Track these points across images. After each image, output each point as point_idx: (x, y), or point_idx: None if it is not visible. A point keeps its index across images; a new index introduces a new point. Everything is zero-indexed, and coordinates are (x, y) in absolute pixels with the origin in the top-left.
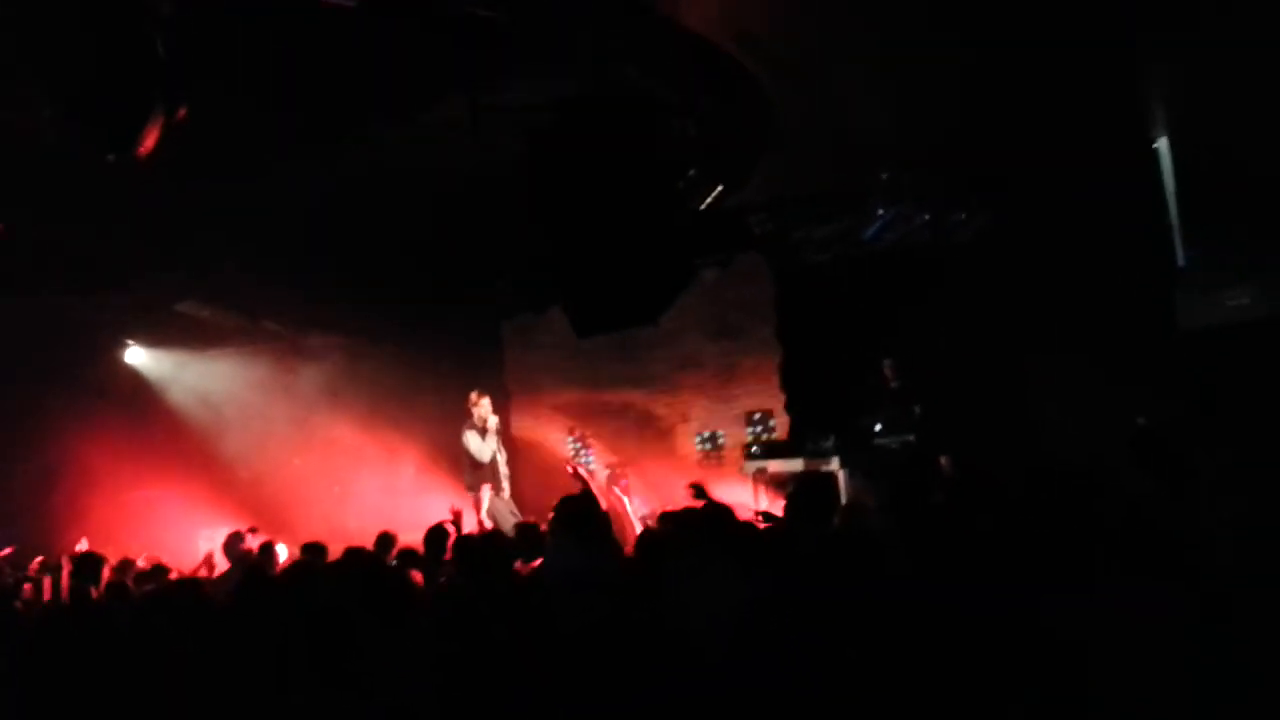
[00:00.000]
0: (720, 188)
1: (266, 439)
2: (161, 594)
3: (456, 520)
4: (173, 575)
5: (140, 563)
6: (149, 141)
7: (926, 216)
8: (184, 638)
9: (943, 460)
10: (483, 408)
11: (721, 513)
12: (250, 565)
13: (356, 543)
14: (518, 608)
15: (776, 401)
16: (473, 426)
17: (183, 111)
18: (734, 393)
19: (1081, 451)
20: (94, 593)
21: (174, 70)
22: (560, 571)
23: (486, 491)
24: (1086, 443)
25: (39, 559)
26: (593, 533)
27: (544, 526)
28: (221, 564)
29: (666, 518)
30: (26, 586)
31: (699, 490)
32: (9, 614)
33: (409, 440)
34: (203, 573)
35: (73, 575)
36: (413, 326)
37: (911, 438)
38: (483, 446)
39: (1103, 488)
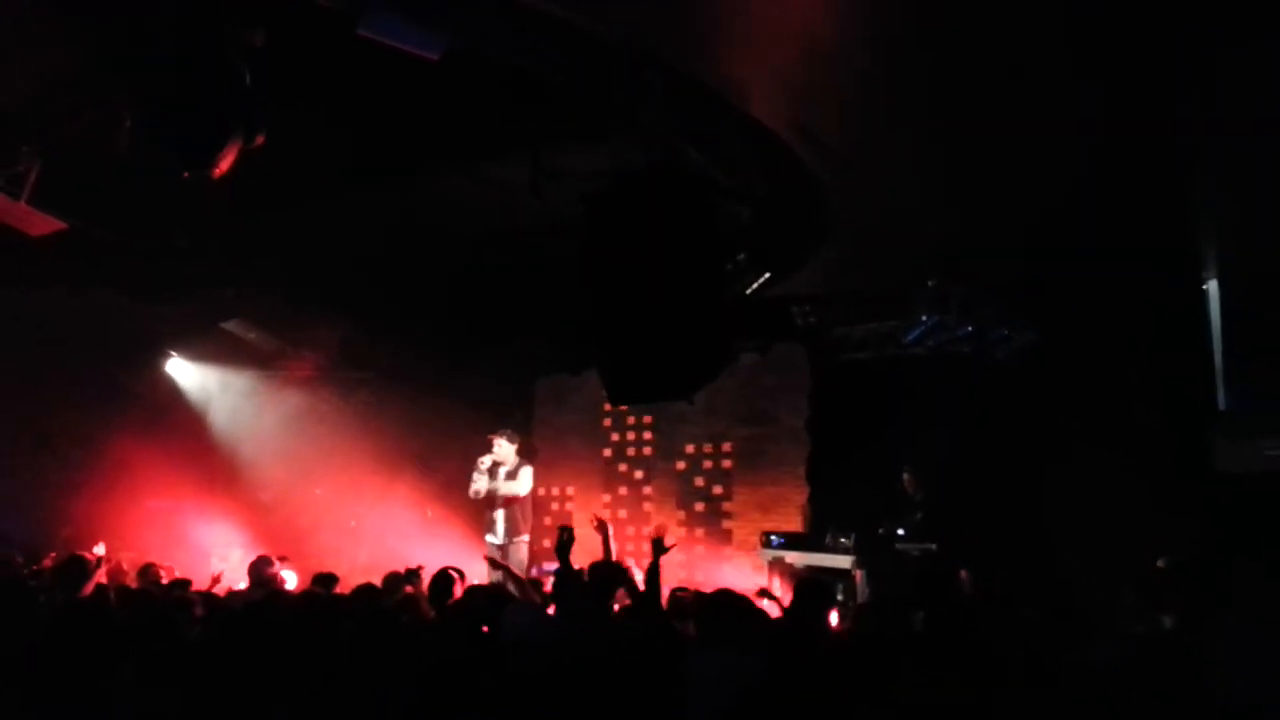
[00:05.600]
0: (768, 275)
1: (291, 465)
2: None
3: (460, 574)
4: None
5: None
6: (225, 164)
7: (969, 329)
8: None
9: (963, 574)
10: (495, 446)
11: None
12: (271, 589)
13: (366, 578)
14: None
15: (799, 493)
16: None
17: (260, 138)
18: (757, 479)
19: (1099, 582)
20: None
21: (257, 99)
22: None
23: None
24: (1106, 575)
25: (52, 555)
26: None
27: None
28: (239, 584)
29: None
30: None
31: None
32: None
33: (430, 483)
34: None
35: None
36: (447, 372)
37: (933, 547)
38: (475, 484)
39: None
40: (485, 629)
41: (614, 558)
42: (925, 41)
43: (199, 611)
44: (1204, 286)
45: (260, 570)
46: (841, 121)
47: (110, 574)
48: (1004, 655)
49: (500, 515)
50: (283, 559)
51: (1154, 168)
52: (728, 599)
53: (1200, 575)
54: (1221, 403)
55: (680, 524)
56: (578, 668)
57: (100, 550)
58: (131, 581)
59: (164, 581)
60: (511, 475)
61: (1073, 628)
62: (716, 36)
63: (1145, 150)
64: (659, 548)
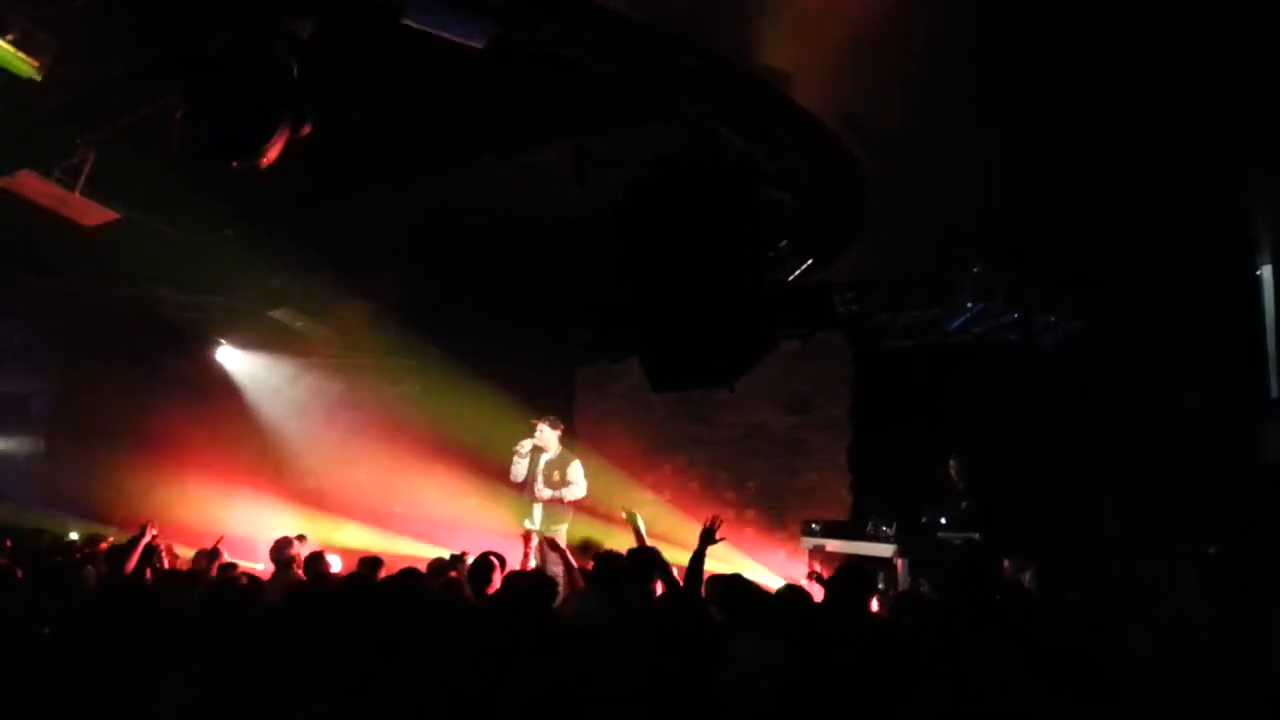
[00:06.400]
0: (810, 262)
1: (336, 450)
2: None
3: (501, 559)
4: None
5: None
6: (272, 154)
7: (1015, 315)
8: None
9: (1006, 563)
10: (537, 433)
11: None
12: (315, 573)
13: (409, 564)
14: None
15: (841, 481)
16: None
17: (307, 128)
18: (799, 467)
19: (1147, 570)
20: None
21: (304, 90)
22: (580, 617)
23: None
24: (1153, 564)
25: (109, 539)
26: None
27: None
28: (268, 567)
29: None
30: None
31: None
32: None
33: (472, 470)
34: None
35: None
36: (490, 361)
37: (976, 535)
38: (515, 468)
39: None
40: (527, 613)
41: (645, 543)
42: (970, 27)
43: (245, 592)
44: (1257, 273)
45: (281, 551)
46: (885, 107)
47: (164, 555)
48: (1047, 643)
49: (539, 506)
50: (301, 538)
51: (1205, 153)
52: (742, 585)
53: (1252, 563)
54: (1273, 390)
55: (728, 505)
56: (631, 653)
57: (153, 533)
58: (183, 565)
59: (215, 565)
60: (561, 475)
61: (1118, 616)
62: (760, 21)
63: (1196, 136)
64: (708, 537)
